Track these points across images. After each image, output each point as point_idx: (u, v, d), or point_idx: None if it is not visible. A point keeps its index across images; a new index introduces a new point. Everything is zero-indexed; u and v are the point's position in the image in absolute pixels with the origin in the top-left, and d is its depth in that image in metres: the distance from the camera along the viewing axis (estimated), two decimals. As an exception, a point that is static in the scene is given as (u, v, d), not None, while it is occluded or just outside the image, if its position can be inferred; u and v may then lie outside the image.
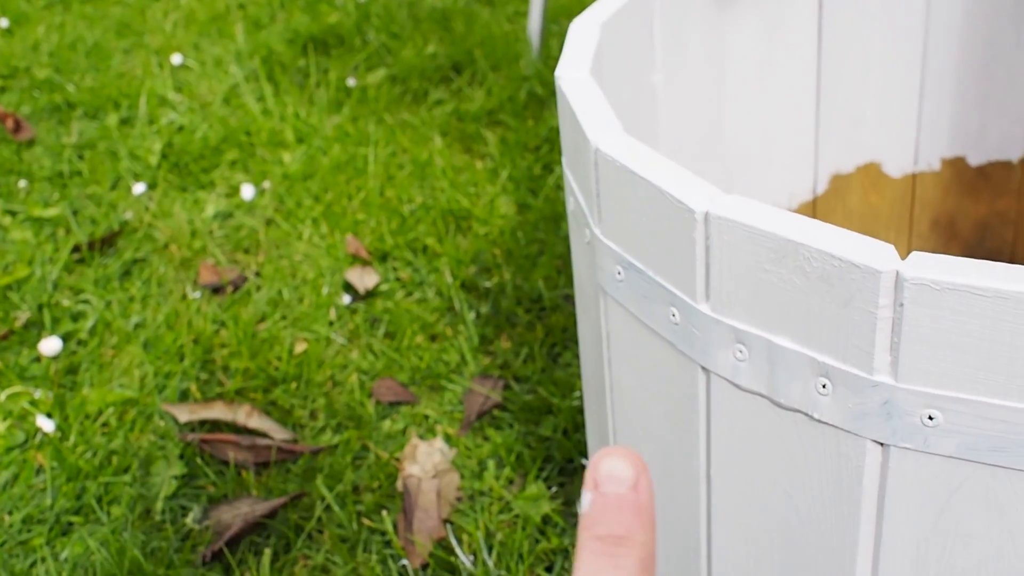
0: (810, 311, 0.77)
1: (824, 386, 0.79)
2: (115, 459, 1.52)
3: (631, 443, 1.05)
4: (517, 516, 1.42)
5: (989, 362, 0.71)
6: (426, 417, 1.59)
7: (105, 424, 1.59)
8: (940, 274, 0.70)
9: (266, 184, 2.13)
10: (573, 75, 1.01)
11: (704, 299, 0.85)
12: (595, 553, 0.34)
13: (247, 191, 2.10)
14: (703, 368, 0.88)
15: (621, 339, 0.99)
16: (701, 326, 0.86)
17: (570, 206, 1.07)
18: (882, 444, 0.78)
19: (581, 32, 1.09)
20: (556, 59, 2.50)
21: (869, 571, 0.86)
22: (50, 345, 1.71)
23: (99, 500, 1.47)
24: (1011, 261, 1.55)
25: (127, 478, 1.49)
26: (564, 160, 1.05)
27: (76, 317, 1.82)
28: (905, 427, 0.76)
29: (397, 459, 1.51)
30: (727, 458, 0.91)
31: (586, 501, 0.35)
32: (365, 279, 1.86)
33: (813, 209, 1.53)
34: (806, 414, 0.82)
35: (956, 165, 1.51)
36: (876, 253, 0.72)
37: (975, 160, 1.50)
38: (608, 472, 0.35)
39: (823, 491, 0.85)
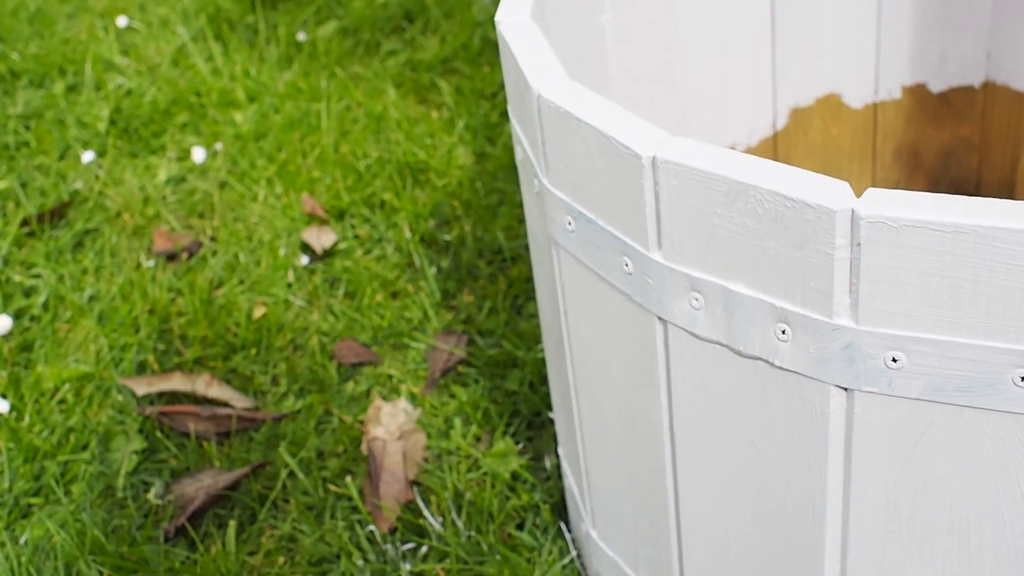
0: (765, 255, 0.74)
1: (784, 332, 0.76)
2: (73, 437, 1.48)
3: (593, 397, 1.02)
4: (486, 474, 1.39)
5: (952, 300, 0.68)
6: (390, 377, 1.56)
7: (62, 401, 1.55)
8: (897, 211, 0.66)
9: (218, 146, 2.08)
10: (514, 19, 0.97)
11: (656, 247, 0.81)
12: None
13: (199, 154, 2.05)
14: (659, 318, 0.85)
15: (576, 291, 0.96)
16: (655, 275, 0.82)
17: (518, 155, 1.03)
18: (846, 389, 0.76)
19: (521, -26, 1.04)
20: (510, 3, 2.44)
21: (840, 517, 0.84)
22: (1, 323, 1.67)
23: (58, 480, 1.43)
24: (977, 188, 1.53)
25: (86, 456, 1.46)
26: (510, 108, 1.01)
27: (28, 292, 1.78)
28: (868, 371, 0.73)
29: (361, 422, 1.48)
30: (689, 410, 0.89)
31: None
32: (322, 238, 1.82)
33: (774, 144, 1.49)
34: (767, 361, 0.79)
35: (917, 93, 1.48)
36: (830, 192, 0.69)
37: (936, 87, 1.46)
38: None
39: (789, 439, 0.82)
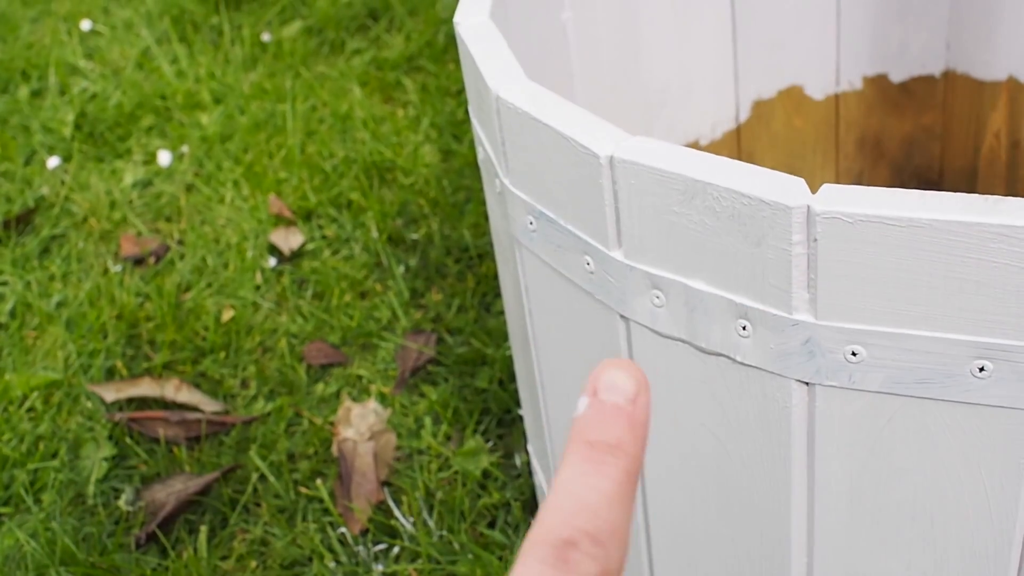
0: (724, 252, 0.74)
1: (744, 328, 0.76)
2: (43, 445, 1.47)
3: (559, 394, 1.03)
4: (457, 473, 1.40)
5: (909, 293, 0.68)
6: (359, 378, 1.56)
7: (31, 409, 1.55)
8: (852, 206, 0.67)
9: (184, 148, 2.07)
10: (472, 20, 0.97)
11: (616, 246, 0.82)
12: (583, 458, 0.33)
13: (164, 157, 2.04)
14: (621, 316, 0.85)
15: (539, 290, 0.96)
16: (616, 274, 0.82)
17: (480, 156, 1.03)
18: (807, 383, 0.76)
19: (478, -27, 1.04)
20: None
21: (804, 510, 0.84)
22: (-32, 332, 1.66)
23: (28, 489, 1.43)
24: (940, 176, 1.54)
25: (56, 463, 1.45)
26: (471, 109, 1.01)
27: (-6, 300, 1.77)
28: (829, 365, 0.74)
29: (331, 423, 1.48)
30: (654, 406, 0.89)
31: (582, 405, 0.35)
32: (290, 240, 1.82)
33: (737, 137, 1.50)
34: (729, 357, 0.79)
35: (879, 83, 1.48)
36: (785, 188, 0.69)
37: (897, 76, 1.47)
38: (609, 382, 0.35)
39: (753, 434, 0.82)
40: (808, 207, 0.68)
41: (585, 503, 0.32)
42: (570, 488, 0.33)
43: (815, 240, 0.69)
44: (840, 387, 0.75)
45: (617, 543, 0.32)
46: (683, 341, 0.82)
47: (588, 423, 0.34)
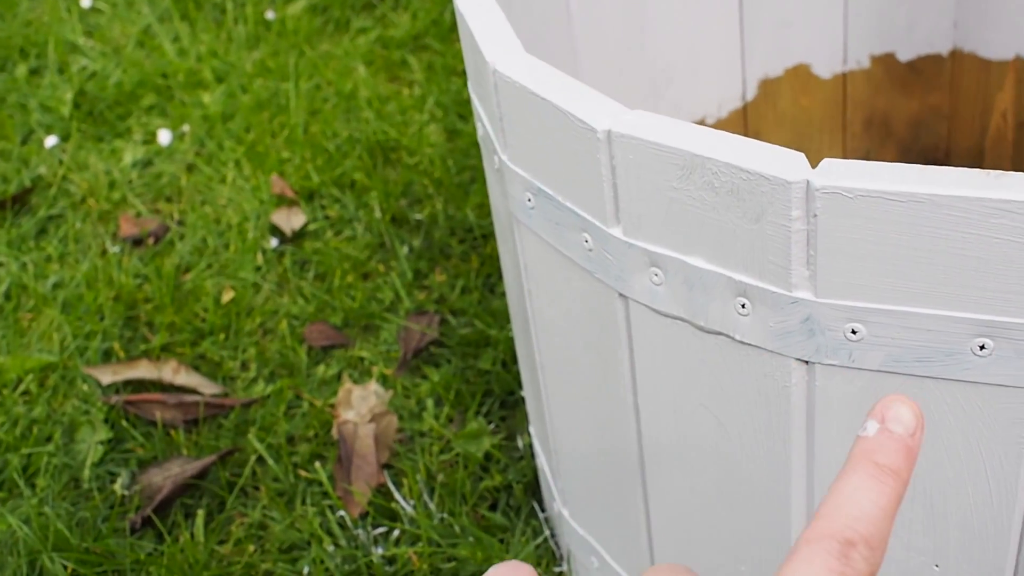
0: (723, 228, 0.73)
1: (743, 306, 0.75)
2: (37, 428, 1.46)
3: (559, 375, 1.01)
4: (458, 455, 1.38)
5: (909, 270, 0.67)
6: (361, 359, 1.54)
7: (26, 392, 1.53)
8: (852, 181, 0.65)
9: (185, 128, 2.06)
10: (469, -7, 0.95)
11: (615, 222, 0.80)
12: (869, 474, 0.39)
13: (165, 136, 2.03)
14: (620, 294, 0.84)
15: (538, 268, 0.94)
16: (614, 251, 0.81)
17: (479, 132, 1.01)
18: (807, 362, 0.74)
19: (476, -54, 1.02)
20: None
21: (804, 490, 0.83)
22: (-33, 312, 1.65)
23: (21, 473, 1.42)
24: (947, 156, 1.52)
25: (51, 447, 1.44)
26: (470, 85, 1.00)
27: (-6, 281, 1.75)
28: (829, 343, 0.72)
29: (331, 406, 1.46)
30: (653, 386, 0.87)
31: (872, 429, 0.41)
32: (292, 220, 1.80)
33: (744, 116, 1.48)
34: (728, 336, 0.78)
35: (886, 62, 1.46)
36: (785, 163, 0.68)
37: (905, 55, 1.45)
38: (896, 415, 0.41)
39: (752, 413, 0.81)
40: (808, 182, 0.66)
41: (866, 512, 0.39)
42: (855, 497, 0.39)
43: (815, 216, 0.67)
44: (840, 366, 0.73)
45: (883, 550, 0.39)
46: (682, 319, 0.80)
47: (877, 446, 0.40)
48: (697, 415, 0.85)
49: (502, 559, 1.24)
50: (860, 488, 0.39)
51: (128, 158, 1.98)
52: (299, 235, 1.79)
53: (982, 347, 0.67)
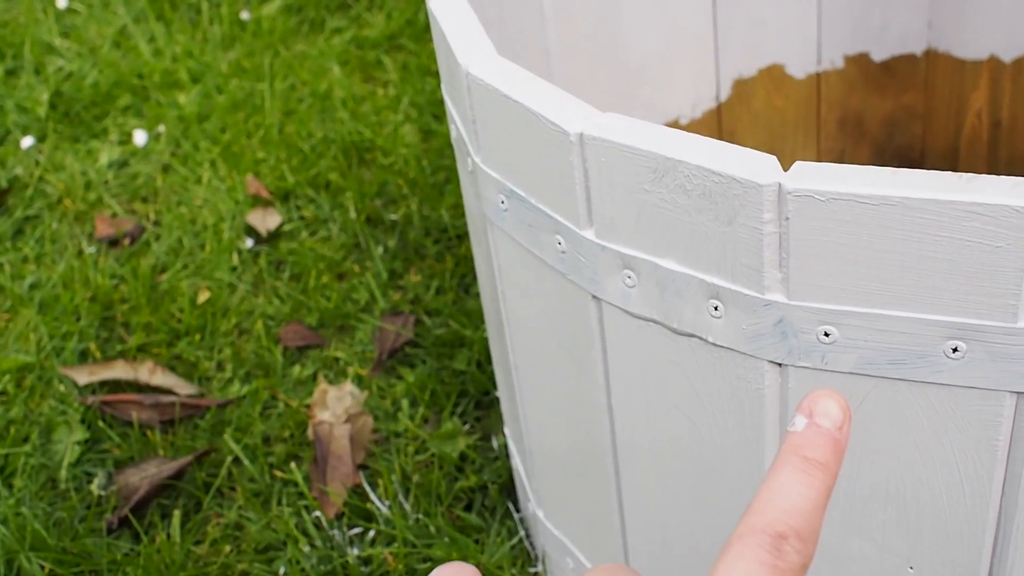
0: (695, 231, 0.73)
1: (716, 308, 0.75)
2: (14, 429, 1.46)
3: (532, 376, 1.01)
4: (433, 456, 1.38)
5: (882, 272, 0.67)
6: (336, 360, 1.54)
7: (3, 393, 1.53)
8: (824, 184, 0.65)
9: (161, 128, 2.05)
10: (443, -5, 0.95)
11: (588, 225, 0.80)
12: (798, 468, 0.40)
13: (141, 137, 2.02)
14: (593, 297, 0.84)
15: (511, 270, 0.94)
16: (587, 253, 0.81)
17: (453, 134, 1.01)
18: (779, 364, 0.75)
19: (450, -52, 1.02)
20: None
21: (779, 494, 0.83)
22: (-60, 314, 1.64)
23: (-2, 473, 1.41)
24: (921, 156, 1.52)
25: (28, 448, 1.43)
26: (443, 87, 1.00)
27: (-32, 282, 1.74)
28: (801, 346, 0.72)
29: (307, 406, 1.46)
30: (627, 388, 0.88)
31: (800, 424, 0.42)
32: (267, 220, 1.80)
33: (718, 116, 1.48)
34: (701, 338, 0.78)
35: (860, 62, 1.47)
36: (757, 166, 0.68)
37: (879, 55, 1.46)
38: (824, 409, 0.42)
39: (726, 416, 0.81)
40: (780, 185, 0.67)
41: (796, 506, 0.39)
42: (785, 492, 0.40)
43: (787, 219, 0.67)
44: (813, 368, 0.73)
45: (814, 543, 0.39)
46: (655, 322, 0.80)
47: (806, 441, 0.41)
48: (670, 417, 0.86)
49: (477, 560, 1.24)
50: (789, 482, 0.40)
51: (104, 159, 1.98)
52: (274, 235, 1.78)
53: (955, 350, 0.67)
